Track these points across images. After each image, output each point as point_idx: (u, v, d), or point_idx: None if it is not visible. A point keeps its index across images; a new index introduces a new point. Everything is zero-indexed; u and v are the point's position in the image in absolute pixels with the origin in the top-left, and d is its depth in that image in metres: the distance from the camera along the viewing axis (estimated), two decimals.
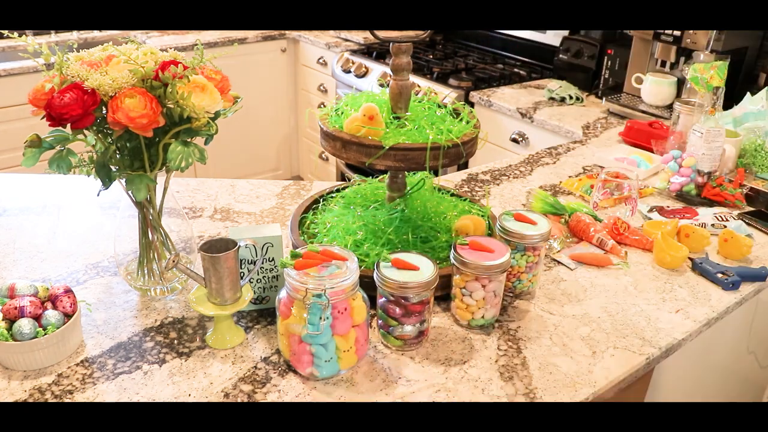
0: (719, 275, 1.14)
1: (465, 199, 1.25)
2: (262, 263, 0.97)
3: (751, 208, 1.42)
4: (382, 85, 1.22)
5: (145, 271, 1.04)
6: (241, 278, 0.93)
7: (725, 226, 1.31)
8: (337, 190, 1.28)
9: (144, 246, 1.02)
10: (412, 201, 1.15)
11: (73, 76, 0.86)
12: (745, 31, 2.02)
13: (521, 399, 0.86)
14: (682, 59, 2.10)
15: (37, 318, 0.88)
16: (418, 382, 0.89)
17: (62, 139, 0.90)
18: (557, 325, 1.02)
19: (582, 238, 1.27)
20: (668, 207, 1.41)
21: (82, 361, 0.91)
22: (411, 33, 1.13)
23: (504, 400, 0.86)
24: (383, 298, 0.93)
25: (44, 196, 1.40)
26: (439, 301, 1.05)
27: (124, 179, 0.93)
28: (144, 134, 0.86)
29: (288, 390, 0.87)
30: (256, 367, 0.90)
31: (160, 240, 1.03)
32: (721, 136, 1.45)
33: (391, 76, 1.07)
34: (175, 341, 0.95)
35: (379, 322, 0.95)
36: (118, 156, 0.93)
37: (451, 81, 2.40)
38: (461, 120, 1.09)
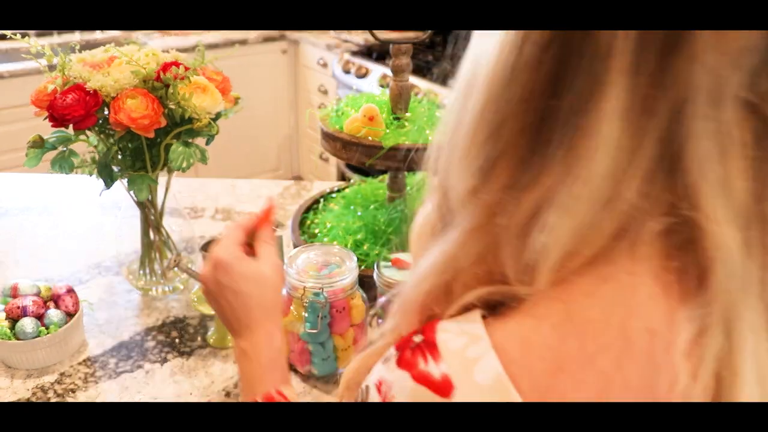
0: None
1: None
2: None
3: None
4: (382, 86, 1.23)
5: (147, 271, 1.04)
6: None
7: None
8: (338, 190, 1.29)
9: (146, 246, 1.03)
10: (412, 201, 1.16)
11: (75, 77, 0.86)
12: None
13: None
14: None
15: (39, 317, 0.89)
16: None
17: (65, 140, 0.91)
18: None
19: None
20: None
21: (84, 360, 0.91)
22: (411, 34, 1.14)
23: None
24: (383, 298, 0.94)
25: (46, 196, 1.41)
26: None
27: (126, 179, 0.94)
28: (146, 135, 0.87)
29: None
30: None
31: (161, 240, 1.03)
32: None
33: (391, 77, 1.08)
34: (177, 340, 0.96)
35: (379, 321, 0.96)
36: (119, 156, 0.94)
37: (451, 82, 2.40)
38: None
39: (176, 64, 0.88)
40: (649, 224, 0.34)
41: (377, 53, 2.78)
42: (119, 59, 0.90)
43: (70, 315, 0.91)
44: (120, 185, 0.96)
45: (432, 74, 2.49)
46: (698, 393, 0.33)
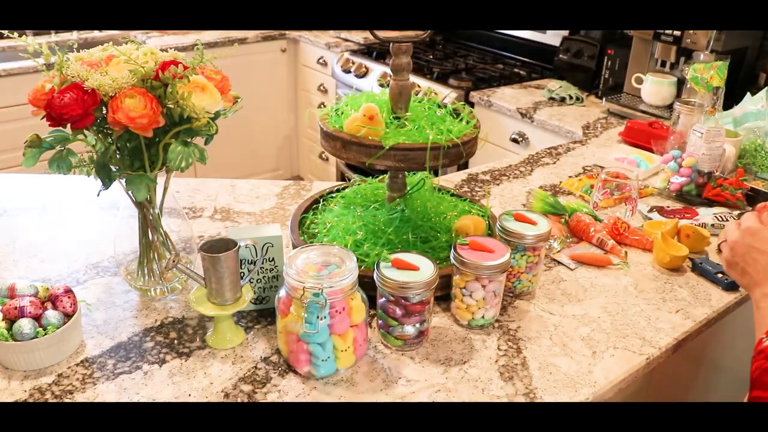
0: (719, 275, 1.14)
1: (465, 199, 1.25)
2: (262, 263, 0.97)
3: (751, 209, 1.42)
4: (382, 85, 1.23)
5: (146, 271, 1.04)
6: (241, 278, 0.93)
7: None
8: (337, 190, 1.28)
9: (144, 246, 1.02)
10: (412, 201, 1.15)
11: (73, 76, 0.86)
12: (745, 31, 2.02)
13: (521, 399, 0.86)
14: (682, 59, 2.10)
15: (37, 318, 0.88)
16: (418, 382, 0.89)
17: (62, 139, 0.90)
18: (557, 325, 1.02)
19: (582, 238, 1.27)
20: (668, 207, 1.41)
21: (82, 361, 0.91)
22: (411, 33, 1.13)
23: (504, 400, 0.86)
24: (383, 298, 0.93)
25: (44, 197, 1.40)
26: (439, 301, 1.05)
27: (125, 179, 0.93)
28: (144, 134, 0.87)
29: (288, 390, 0.87)
30: (256, 367, 0.90)
31: (160, 240, 1.03)
32: (721, 136, 1.45)
33: (391, 76, 1.07)
34: (176, 341, 0.95)
35: (379, 322, 0.95)
36: (118, 156, 0.93)
37: (451, 81, 2.40)
38: (461, 120, 1.09)
39: (175, 63, 0.87)
40: None
41: (377, 52, 2.78)
42: (117, 58, 0.90)
43: (68, 316, 0.91)
44: (118, 185, 0.96)
45: (432, 73, 2.49)
46: None
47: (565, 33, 2.52)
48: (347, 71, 2.80)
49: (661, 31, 2.02)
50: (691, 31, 1.97)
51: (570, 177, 1.60)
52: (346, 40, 3.06)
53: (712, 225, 1.32)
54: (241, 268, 0.95)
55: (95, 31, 3.04)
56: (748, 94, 1.73)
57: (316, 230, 1.14)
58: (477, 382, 0.89)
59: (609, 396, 0.90)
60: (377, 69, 2.67)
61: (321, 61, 3.11)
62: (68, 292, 0.93)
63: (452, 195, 1.27)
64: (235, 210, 1.36)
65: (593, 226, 1.26)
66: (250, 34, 3.13)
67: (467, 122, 1.08)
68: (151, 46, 0.93)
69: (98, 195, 0.96)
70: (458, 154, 1.02)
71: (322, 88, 3.16)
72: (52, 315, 0.89)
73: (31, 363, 0.88)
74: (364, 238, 1.08)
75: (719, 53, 1.91)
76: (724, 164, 1.52)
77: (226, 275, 0.89)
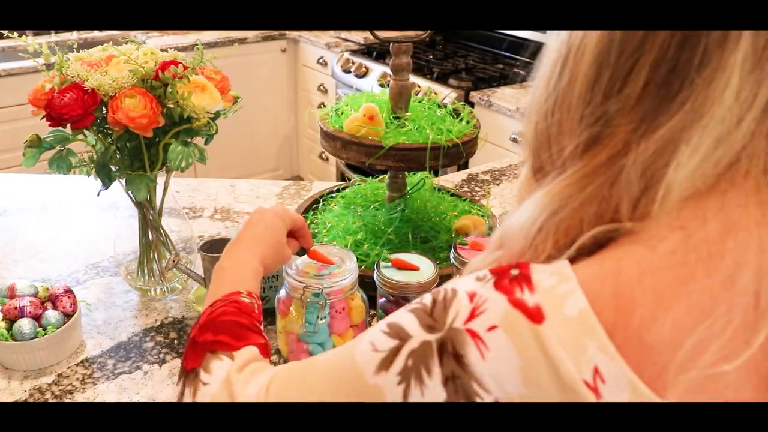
0: None
1: (465, 199, 1.25)
2: None
3: None
4: (382, 85, 1.22)
5: (145, 271, 1.04)
6: None
7: None
8: (337, 190, 1.28)
9: (144, 246, 1.02)
10: (412, 201, 1.15)
11: (73, 76, 0.86)
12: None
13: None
14: None
15: (37, 318, 0.88)
16: None
17: (62, 139, 0.90)
18: None
19: None
20: None
21: (82, 361, 0.91)
22: (411, 33, 1.13)
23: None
24: (383, 299, 0.93)
25: (44, 197, 1.40)
26: None
27: (124, 179, 0.93)
28: (144, 134, 0.87)
29: None
30: None
31: (160, 240, 1.03)
32: None
33: (391, 76, 1.07)
34: (175, 341, 0.95)
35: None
36: (118, 156, 0.93)
37: (451, 81, 2.40)
38: (461, 120, 1.09)
39: (175, 63, 0.87)
40: (756, 160, 0.39)
41: (377, 52, 2.77)
42: (117, 58, 0.90)
43: (67, 316, 0.91)
44: (118, 185, 0.96)
45: (432, 73, 2.49)
46: None
47: None
48: (347, 71, 2.80)
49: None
50: None
51: None
52: (346, 40, 3.06)
53: None
54: None
55: (95, 31, 3.04)
56: None
57: (316, 230, 1.14)
58: None
59: None
60: (377, 69, 2.67)
61: (321, 61, 3.11)
62: (68, 292, 0.93)
63: (452, 195, 1.27)
64: (235, 210, 1.36)
65: None
66: (250, 34, 3.13)
67: (467, 122, 1.08)
68: (151, 46, 0.93)
69: (98, 195, 0.96)
70: (458, 154, 1.02)
71: (322, 88, 3.16)
72: (52, 315, 0.89)
73: (31, 363, 0.88)
74: (364, 238, 1.08)
75: None
76: None
77: None
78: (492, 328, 0.39)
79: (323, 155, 3.30)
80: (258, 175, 3.43)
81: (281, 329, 0.89)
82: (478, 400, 0.41)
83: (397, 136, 1.01)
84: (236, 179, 1.52)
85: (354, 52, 2.87)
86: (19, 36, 0.91)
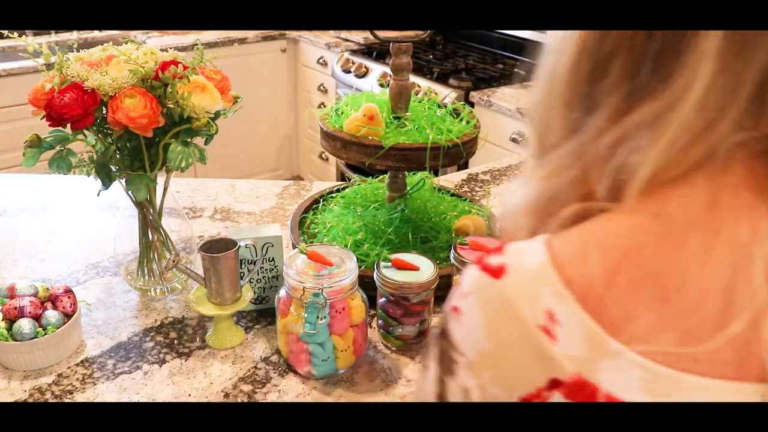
0: None
1: (465, 199, 1.25)
2: (262, 263, 0.97)
3: None
4: (382, 85, 1.22)
5: (145, 271, 1.04)
6: (241, 278, 0.93)
7: None
8: (337, 190, 1.28)
9: (144, 246, 1.02)
10: (412, 201, 1.15)
11: (73, 76, 0.86)
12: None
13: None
14: None
15: (37, 318, 0.88)
16: (419, 382, 0.89)
17: (62, 139, 0.90)
18: None
19: None
20: None
21: (82, 361, 0.91)
22: (411, 33, 1.13)
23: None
24: (383, 299, 0.93)
25: (44, 197, 1.40)
26: (439, 301, 1.05)
27: (124, 179, 0.93)
28: (144, 134, 0.87)
29: (288, 390, 0.87)
30: (256, 367, 0.90)
31: (160, 240, 1.03)
32: None
33: (391, 76, 1.07)
34: (175, 341, 0.95)
35: (380, 322, 0.95)
36: (118, 156, 0.93)
37: (451, 81, 2.40)
38: (461, 120, 1.09)
39: (175, 62, 0.87)
40: (735, 152, 0.39)
41: (377, 52, 2.77)
42: (117, 58, 0.90)
43: (67, 316, 0.91)
44: (118, 185, 0.96)
45: (432, 73, 2.48)
46: None
47: None
48: (347, 71, 2.80)
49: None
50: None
51: None
52: (346, 40, 3.06)
53: None
54: (241, 268, 0.95)
55: (95, 31, 3.04)
56: None
57: (316, 230, 1.14)
58: None
59: None
60: (377, 69, 2.67)
61: (321, 61, 3.11)
62: (68, 292, 0.93)
63: (452, 195, 1.27)
64: (235, 210, 1.36)
65: None
66: (250, 34, 3.13)
67: (467, 122, 1.08)
68: (151, 46, 0.93)
69: (98, 195, 0.96)
70: (458, 154, 1.02)
71: (322, 88, 3.16)
72: (52, 315, 0.89)
73: (30, 363, 0.88)
74: (364, 238, 1.08)
75: None
76: None
77: (226, 275, 0.89)
78: (465, 295, 0.41)
79: (323, 155, 3.30)
80: (258, 175, 3.43)
81: (281, 329, 0.89)
82: (455, 367, 0.42)
83: (397, 136, 1.01)
84: (236, 179, 1.52)
85: (354, 52, 2.86)
86: (19, 36, 0.91)
